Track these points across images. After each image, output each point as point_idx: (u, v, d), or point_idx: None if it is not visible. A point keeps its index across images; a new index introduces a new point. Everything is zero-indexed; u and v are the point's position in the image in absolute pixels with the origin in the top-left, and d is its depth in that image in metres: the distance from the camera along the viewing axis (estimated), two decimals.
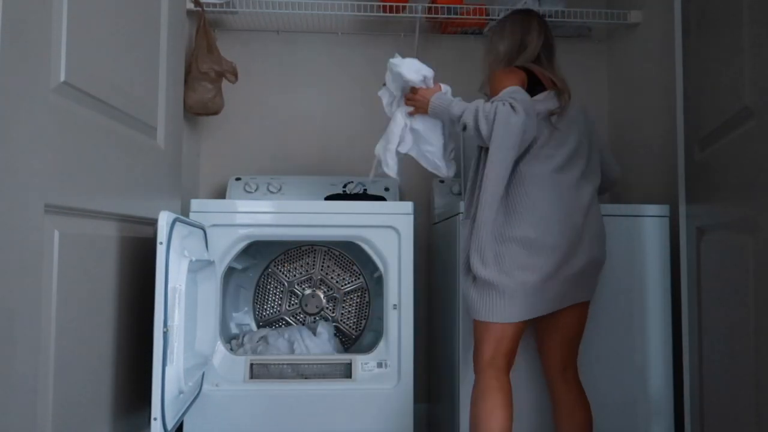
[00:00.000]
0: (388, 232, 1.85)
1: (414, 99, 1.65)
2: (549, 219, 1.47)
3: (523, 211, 1.47)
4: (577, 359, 1.61)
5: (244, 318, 2.19)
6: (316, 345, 1.95)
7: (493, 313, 1.46)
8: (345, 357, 1.86)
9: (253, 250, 2.06)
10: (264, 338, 1.98)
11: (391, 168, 1.70)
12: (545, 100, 1.55)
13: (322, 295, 2.23)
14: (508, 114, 1.39)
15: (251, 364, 1.83)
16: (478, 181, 1.52)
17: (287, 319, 2.23)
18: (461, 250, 1.73)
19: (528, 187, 1.48)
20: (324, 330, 2.03)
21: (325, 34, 2.52)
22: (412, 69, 1.61)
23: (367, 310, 2.24)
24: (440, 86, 1.65)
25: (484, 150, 1.52)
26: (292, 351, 1.93)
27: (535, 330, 1.63)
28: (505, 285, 1.44)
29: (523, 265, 1.45)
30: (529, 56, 1.60)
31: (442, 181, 2.37)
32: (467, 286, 1.52)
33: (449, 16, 2.30)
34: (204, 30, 2.12)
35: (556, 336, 1.57)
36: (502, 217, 1.47)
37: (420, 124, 1.68)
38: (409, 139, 1.69)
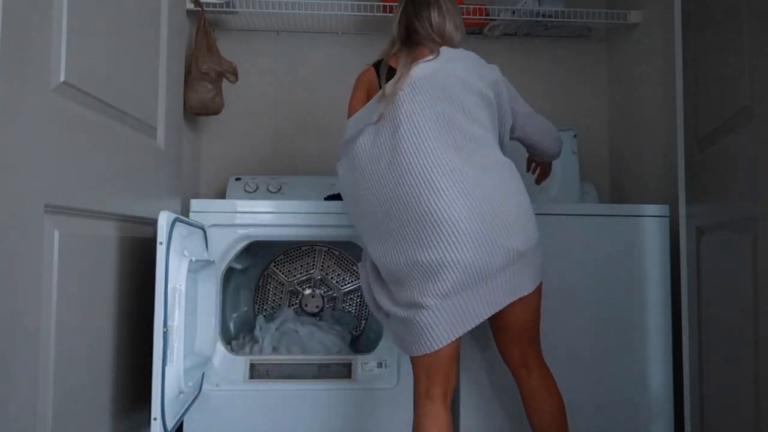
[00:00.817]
0: None
1: None
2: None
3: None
4: (541, 347, 1.51)
5: (245, 317, 2.19)
6: (332, 341, 1.97)
7: (419, 346, 1.35)
8: (345, 357, 1.86)
9: (253, 250, 2.06)
10: (282, 331, 2.00)
11: None
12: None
13: (322, 295, 2.23)
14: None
15: (251, 364, 1.82)
16: None
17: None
18: None
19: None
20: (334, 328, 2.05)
21: (325, 34, 2.52)
22: None
23: (367, 310, 2.24)
24: None
25: None
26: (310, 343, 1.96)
27: (489, 327, 1.56)
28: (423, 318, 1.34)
29: (436, 287, 1.32)
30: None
31: None
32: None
33: None
34: (204, 30, 2.12)
35: (510, 330, 1.46)
36: None
37: None
38: None
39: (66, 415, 1.12)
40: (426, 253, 1.31)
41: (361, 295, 2.24)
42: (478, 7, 2.31)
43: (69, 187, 1.11)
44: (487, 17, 2.32)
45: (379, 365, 1.84)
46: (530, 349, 1.48)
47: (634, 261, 1.77)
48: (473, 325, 1.34)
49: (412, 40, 1.54)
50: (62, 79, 1.08)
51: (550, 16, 2.29)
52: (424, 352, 1.34)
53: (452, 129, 1.39)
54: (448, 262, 1.29)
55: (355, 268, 2.24)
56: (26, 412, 0.99)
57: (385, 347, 1.84)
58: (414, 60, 1.48)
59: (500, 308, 1.36)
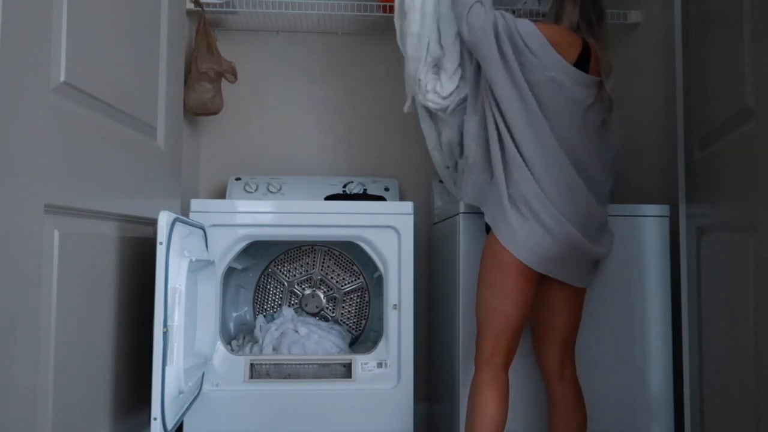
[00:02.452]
0: (388, 232, 1.85)
1: None
2: (564, 200, 1.48)
3: (538, 165, 1.48)
4: (575, 358, 1.61)
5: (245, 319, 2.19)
6: (331, 342, 1.97)
7: (512, 239, 1.43)
8: (345, 357, 1.86)
9: (253, 250, 2.06)
10: (283, 334, 2.00)
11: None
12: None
13: (322, 295, 2.23)
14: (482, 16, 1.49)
15: (251, 364, 1.83)
16: None
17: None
18: (462, 248, 1.73)
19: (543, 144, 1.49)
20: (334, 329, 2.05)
21: (325, 34, 2.52)
22: None
23: (367, 310, 2.24)
24: None
25: None
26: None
27: (530, 330, 1.64)
28: (524, 220, 1.43)
29: (538, 212, 1.44)
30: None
31: (441, 181, 2.37)
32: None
33: None
34: (204, 30, 2.12)
35: (551, 331, 1.57)
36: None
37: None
38: None
39: (66, 415, 1.12)
40: None
41: (361, 295, 2.24)
42: None
43: (69, 187, 1.11)
44: None
45: (379, 365, 1.84)
46: (568, 356, 1.58)
47: (634, 261, 1.77)
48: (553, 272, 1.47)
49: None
50: (62, 79, 1.08)
51: None
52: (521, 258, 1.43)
53: None
54: None
55: (355, 268, 2.24)
56: (26, 412, 0.99)
57: (385, 347, 1.84)
58: None
59: (568, 280, 1.50)
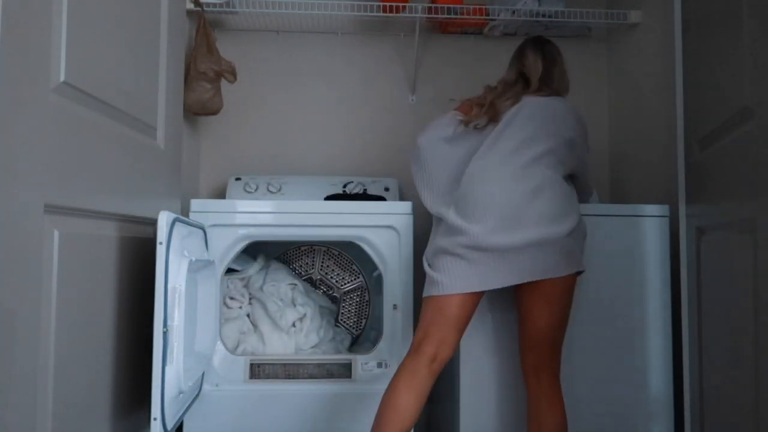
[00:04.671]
0: (387, 232, 1.85)
1: None
2: (471, 206, 1.53)
3: (456, 201, 1.59)
4: (560, 367, 1.54)
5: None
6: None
7: (429, 288, 1.56)
8: (345, 357, 1.86)
9: (253, 250, 2.06)
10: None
11: None
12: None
13: (321, 295, 2.23)
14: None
15: (251, 364, 1.83)
16: None
17: None
18: None
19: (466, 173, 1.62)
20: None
21: (325, 34, 2.52)
22: None
23: (367, 310, 2.24)
24: None
25: None
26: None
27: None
28: (434, 260, 1.57)
29: (449, 248, 1.53)
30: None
31: None
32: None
33: (449, 16, 2.30)
34: (204, 30, 2.12)
35: (528, 329, 1.54)
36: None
37: None
38: None
39: (66, 415, 1.12)
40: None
41: (361, 294, 2.24)
42: (478, 7, 2.31)
43: (69, 187, 1.11)
44: (487, 17, 2.32)
45: (379, 365, 1.84)
46: (546, 359, 1.53)
47: (634, 261, 1.77)
48: (487, 287, 1.50)
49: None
50: (62, 79, 1.08)
51: (550, 16, 2.29)
52: (434, 294, 1.53)
53: None
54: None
55: (354, 267, 2.24)
56: (26, 412, 0.99)
57: (385, 347, 1.84)
58: None
59: (507, 283, 1.49)
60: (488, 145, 1.61)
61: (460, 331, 1.55)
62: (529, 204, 1.49)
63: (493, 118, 1.65)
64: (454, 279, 1.50)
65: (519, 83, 1.71)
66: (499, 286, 1.49)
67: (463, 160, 1.64)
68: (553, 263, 1.48)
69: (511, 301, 1.64)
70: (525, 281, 1.48)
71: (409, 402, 1.45)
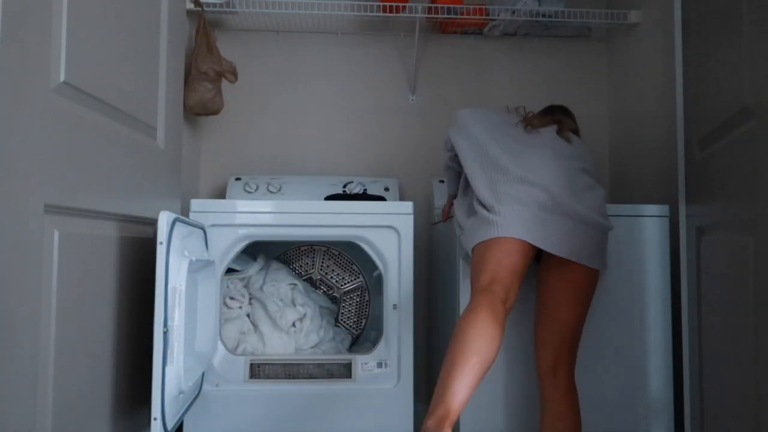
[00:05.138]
0: (388, 232, 1.85)
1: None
2: (544, 167, 1.55)
3: (517, 158, 1.60)
4: (575, 363, 1.56)
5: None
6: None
7: (494, 229, 1.48)
8: (345, 357, 1.86)
9: (253, 250, 2.06)
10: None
11: None
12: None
13: (321, 295, 2.23)
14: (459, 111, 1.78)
15: (251, 364, 1.83)
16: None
17: None
18: (462, 248, 1.74)
19: (521, 150, 1.63)
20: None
21: (325, 34, 2.52)
22: None
23: (367, 310, 2.24)
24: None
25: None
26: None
27: (533, 322, 1.62)
28: (501, 207, 1.50)
29: (516, 196, 1.51)
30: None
31: (441, 181, 2.37)
32: (465, 224, 1.62)
33: (449, 16, 2.30)
34: (204, 30, 2.12)
35: (549, 325, 1.52)
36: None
37: None
38: None
39: (66, 415, 1.12)
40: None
41: (361, 294, 2.24)
42: (478, 7, 2.31)
43: (69, 187, 1.11)
44: (487, 17, 2.32)
45: (379, 365, 1.84)
46: (565, 356, 1.53)
47: (634, 261, 1.77)
48: (550, 247, 1.48)
49: None
50: (62, 79, 1.08)
51: (550, 16, 2.29)
52: (505, 235, 1.47)
53: None
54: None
55: (354, 267, 2.24)
56: (26, 412, 0.99)
57: (385, 347, 1.84)
58: None
59: (564, 254, 1.48)
60: (544, 140, 1.66)
61: (520, 283, 1.48)
62: (584, 191, 1.56)
63: (538, 126, 1.73)
64: (519, 225, 1.47)
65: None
66: (553, 251, 1.48)
67: (509, 134, 1.67)
68: (592, 252, 1.52)
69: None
70: (572, 258, 1.49)
71: (496, 333, 1.31)
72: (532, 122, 1.73)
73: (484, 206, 1.56)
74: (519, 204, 1.50)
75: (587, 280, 1.54)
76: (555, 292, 1.53)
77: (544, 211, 1.50)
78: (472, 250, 1.54)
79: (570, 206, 1.50)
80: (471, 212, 1.63)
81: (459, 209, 1.71)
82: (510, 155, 1.59)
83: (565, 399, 1.49)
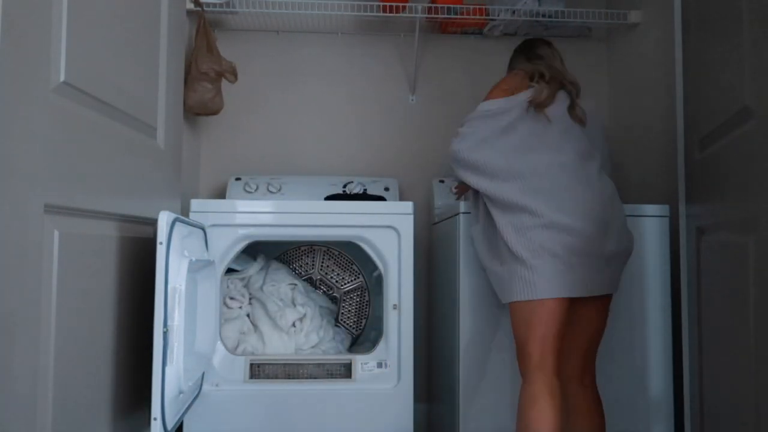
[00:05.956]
0: (388, 232, 1.85)
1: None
2: (572, 199, 1.47)
3: (543, 194, 1.48)
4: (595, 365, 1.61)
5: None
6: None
7: (532, 290, 1.43)
8: (345, 357, 1.86)
9: (253, 250, 2.06)
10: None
11: None
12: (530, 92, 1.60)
13: (321, 295, 2.23)
14: (453, 146, 1.62)
15: (251, 364, 1.83)
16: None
17: None
18: (462, 248, 1.74)
19: (543, 168, 1.51)
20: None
21: (325, 34, 2.52)
22: None
23: (367, 310, 2.24)
24: None
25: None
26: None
27: None
28: (533, 261, 1.44)
29: (550, 246, 1.44)
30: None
31: (441, 181, 2.37)
32: (495, 270, 1.54)
33: (449, 16, 2.30)
34: (204, 30, 2.12)
35: (578, 336, 1.56)
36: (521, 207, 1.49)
37: None
38: None
39: (66, 415, 1.12)
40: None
41: (361, 294, 2.24)
42: (478, 7, 2.31)
43: (69, 187, 1.11)
44: (487, 17, 2.32)
45: (379, 365, 1.84)
46: (591, 362, 1.59)
47: (634, 261, 1.77)
48: (583, 293, 1.45)
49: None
50: (62, 79, 1.08)
51: (550, 16, 2.29)
52: (546, 296, 1.43)
53: None
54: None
55: (354, 267, 2.24)
56: (26, 412, 0.99)
57: (385, 347, 1.84)
58: None
59: (597, 293, 1.48)
60: (560, 139, 1.55)
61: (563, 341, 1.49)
62: (611, 211, 1.52)
63: (554, 93, 1.59)
64: (556, 281, 1.43)
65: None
66: (592, 294, 1.48)
67: (518, 148, 1.54)
68: (617, 277, 1.56)
69: None
70: (605, 293, 1.51)
71: (559, 412, 1.38)
72: (542, 102, 1.57)
73: (512, 252, 1.48)
74: (551, 256, 1.44)
75: (610, 299, 1.60)
76: (588, 313, 1.56)
77: (575, 255, 1.45)
78: (510, 305, 1.51)
79: (600, 245, 1.47)
80: (493, 246, 1.56)
81: (474, 226, 1.66)
82: (532, 193, 1.48)
83: (596, 402, 1.56)
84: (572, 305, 1.50)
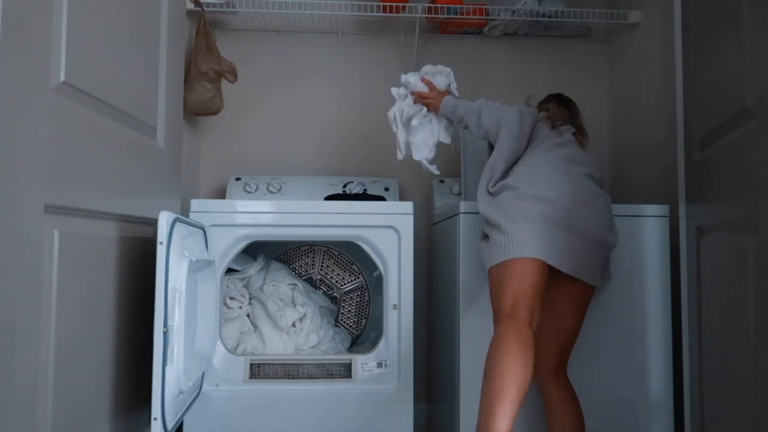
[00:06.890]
0: (388, 232, 1.85)
1: (427, 97, 1.92)
2: (550, 180, 1.55)
3: (525, 175, 1.58)
4: (571, 360, 1.62)
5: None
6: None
7: (507, 252, 1.48)
8: (345, 357, 1.86)
9: (253, 250, 2.06)
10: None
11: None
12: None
13: (321, 295, 2.23)
14: (509, 109, 1.74)
15: (251, 364, 1.83)
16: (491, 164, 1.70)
17: None
18: (462, 248, 1.74)
19: (532, 160, 1.64)
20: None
21: (325, 34, 2.52)
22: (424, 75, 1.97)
23: (367, 310, 2.24)
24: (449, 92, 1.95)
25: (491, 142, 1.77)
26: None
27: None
28: (509, 226, 1.50)
29: (526, 213, 1.50)
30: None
31: (442, 181, 2.37)
32: (481, 246, 1.61)
33: (449, 16, 2.30)
34: (204, 30, 2.12)
35: (552, 331, 1.57)
36: (507, 184, 1.59)
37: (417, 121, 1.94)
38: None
39: (66, 415, 1.12)
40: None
41: (361, 294, 2.24)
42: (478, 7, 2.31)
43: (69, 187, 1.11)
44: (487, 17, 2.32)
45: (379, 365, 1.84)
46: (565, 359, 1.61)
47: (634, 261, 1.77)
48: (564, 266, 1.49)
49: None
50: (62, 79, 1.08)
51: (550, 16, 2.29)
52: (524, 255, 1.47)
53: None
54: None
55: (354, 267, 2.24)
56: (26, 412, 0.99)
57: (385, 347, 1.84)
58: None
59: (572, 272, 1.50)
60: (553, 144, 1.67)
61: (542, 299, 1.50)
62: (593, 201, 1.56)
63: (561, 125, 1.76)
64: (532, 244, 1.47)
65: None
66: (561, 268, 1.49)
67: (523, 143, 1.70)
68: (595, 271, 1.56)
69: None
70: (576, 276, 1.52)
71: (528, 358, 1.35)
72: (556, 120, 1.75)
73: (491, 224, 1.55)
74: (527, 222, 1.49)
75: (589, 294, 1.60)
76: (559, 301, 1.58)
77: (552, 226, 1.49)
78: (489, 271, 1.55)
79: (576, 222, 1.51)
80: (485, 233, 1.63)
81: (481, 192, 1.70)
82: (513, 177, 1.60)
83: (569, 396, 1.57)
84: (549, 288, 1.54)
